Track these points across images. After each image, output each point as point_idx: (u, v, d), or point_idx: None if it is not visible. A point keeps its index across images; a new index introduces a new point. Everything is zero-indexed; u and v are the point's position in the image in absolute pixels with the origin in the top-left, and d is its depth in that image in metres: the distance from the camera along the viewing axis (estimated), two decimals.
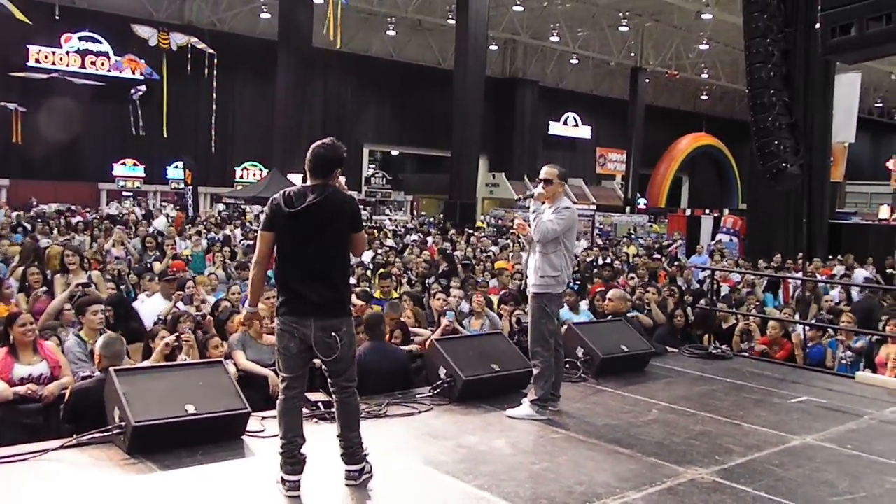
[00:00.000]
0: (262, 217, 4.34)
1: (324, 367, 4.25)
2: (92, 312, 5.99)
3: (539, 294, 5.64)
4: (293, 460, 4.12)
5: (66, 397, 4.98)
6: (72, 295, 6.90)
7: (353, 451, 4.24)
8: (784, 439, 5.32)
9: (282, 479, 4.11)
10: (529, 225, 5.74)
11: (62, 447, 4.47)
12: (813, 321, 9.58)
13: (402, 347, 7.17)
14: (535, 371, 5.66)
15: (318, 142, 4.27)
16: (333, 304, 4.15)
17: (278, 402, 4.23)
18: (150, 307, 7.92)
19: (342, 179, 4.35)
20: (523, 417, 5.55)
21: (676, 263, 15.85)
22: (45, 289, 7.60)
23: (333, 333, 4.11)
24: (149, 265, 11.05)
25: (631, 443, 5.10)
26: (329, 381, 4.29)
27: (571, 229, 5.74)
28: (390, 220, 32.23)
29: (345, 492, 4.18)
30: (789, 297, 12.99)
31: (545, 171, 5.77)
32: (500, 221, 30.21)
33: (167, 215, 22.43)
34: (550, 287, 5.60)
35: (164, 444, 4.50)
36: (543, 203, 5.72)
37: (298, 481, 4.10)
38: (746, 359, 8.35)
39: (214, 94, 32.32)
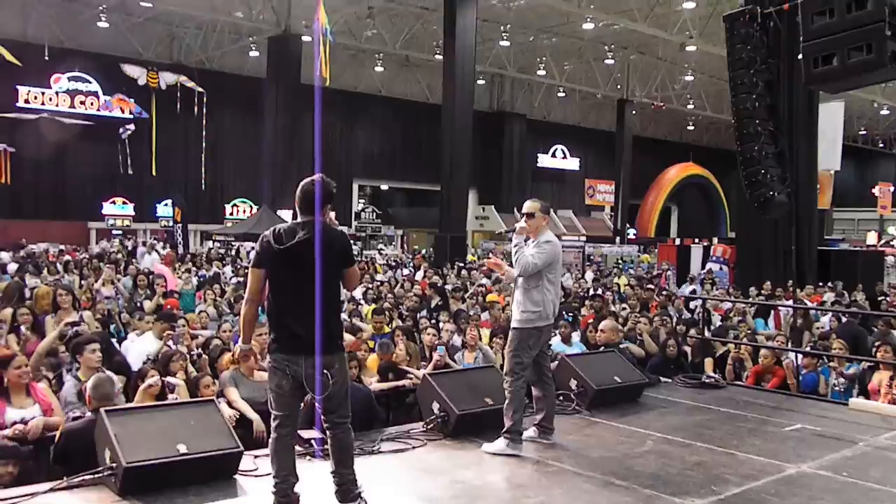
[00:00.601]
0: (253, 254, 4.34)
1: (317, 403, 4.23)
2: (90, 351, 5.95)
3: (518, 329, 5.58)
4: (286, 499, 4.13)
5: (56, 438, 4.92)
6: (62, 335, 6.85)
7: (346, 487, 4.21)
8: (780, 468, 5.30)
9: None
10: (512, 258, 5.66)
11: (52, 490, 4.41)
12: (807, 348, 9.60)
13: (395, 383, 7.15)
14: (505, 403, 5.55)
15: (308, 178, 4.29)
16: (325, 341, 4.11)
17: (271, 440, 4.22)
18: (141, 346, 7.85)
19: (332, 215, 4.37)
20: (496, 452, 5.45)
21: (664, 293, 15.88)
22: (23, 328, 7.50)
23: (325, 371, 4.09)
24: (139, 304, 10.99)
25: (626, 475, 5.07)
26: (322, 417, 4.26)
27: (554, 263, 5.65)
28: (380, 253, 32.24)
29: None
30: (781, 324, 13.02)
31: (527, 206, 5.72)
32: (490, 255, 30.23)
33: (159, 252, 22.37)
34: (531, 322, 5.53)
35: (155, 484, 4.44)
36: (528, 238, 5.66)
37: None
38: (740, 387, 8.34)
39: (204, 132, 32.47)
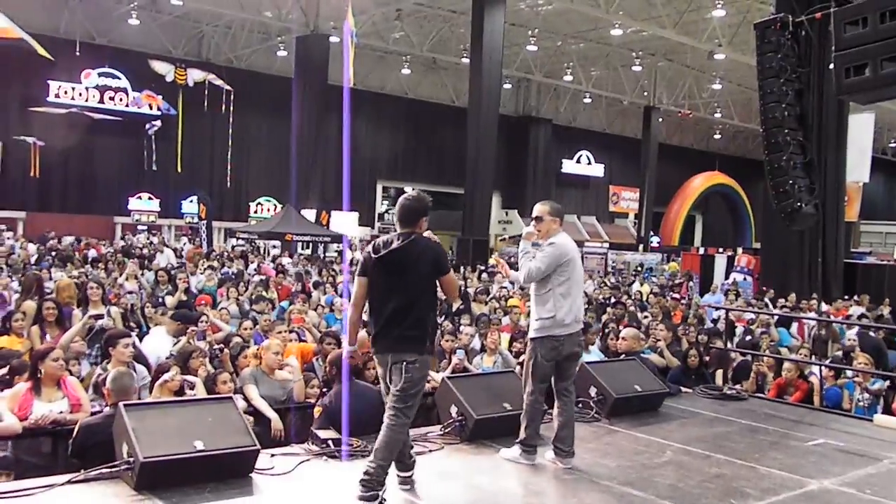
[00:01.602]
0: (359, 264, 4.75)
1: (390, 393, 4.57)
2: (123, 346, 5.99)
3: (533, 339, 5.39)
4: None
5: (74, 432, 4.95)
6: (90, 327, 6.91)
7: (370, 480, 4.36)
8: (801, 483, 5.22)
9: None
10: (519, 263, 5.47)
11: (69, 482, 4.42)
12: (828, 361, 9.46)
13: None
14: (522, 412, 5.43)
15: (405, 194, 4.76)
16: (411, 341, 4.51)
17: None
18: (153, 342, 7.88)
19: (429, 232, 4.69)
20: (510, 459, 5.39)
21: (683, 302, 15.77)
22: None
23: (405, 363, 4.47)
24: (161, 299, 11.07)
25: (644, 485, 5.01)
26: (387, 405, 4.60)
27: (564, 266, 5.31)
28: None
29: None
30: (805, 336, 12.86)
31: (536, 209, 5.50)
32: (511, 259, 30.15)
33: (175, 249, 22.49)
34: (546, 330, 5.29)
35: (171, 480, 4.44)
36: (540, 241, 5.45)
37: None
38: (762, 400, 8.24)
39: (230, 130, 32.68)
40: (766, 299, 15.93)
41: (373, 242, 4.70)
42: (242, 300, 11.57)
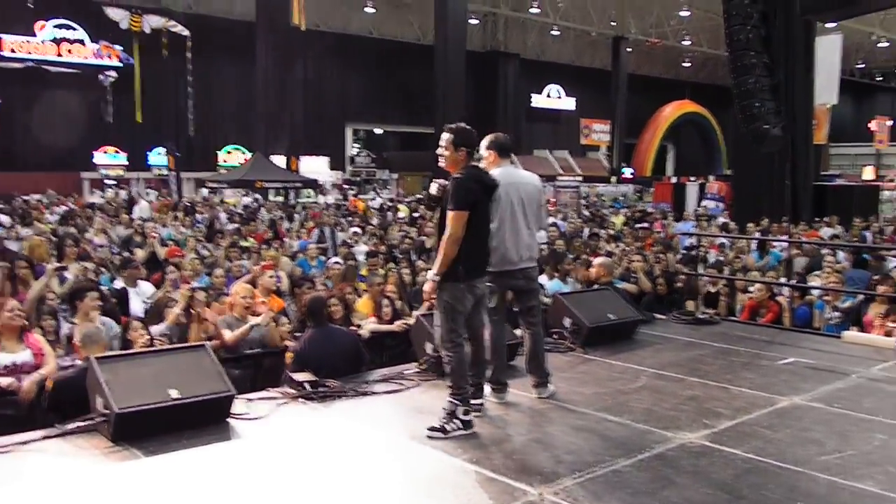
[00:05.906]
0: (458, 198, 4.62)
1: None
2: (91, 299, 5.98)
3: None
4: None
5: (49, 387, 4.92)
6: (74, 283, 6.89)
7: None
8: (772, 401, 5.32)
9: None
10: None
11: (45, 437, 4.41)
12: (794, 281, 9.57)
13: (388, 326, 7.14)
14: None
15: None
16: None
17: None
18: (142, 291, 7.94)
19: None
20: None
21: (659, 234, 15.88)
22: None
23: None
24: (131, 252, 10.96)
25: (620, 410, 5.08)
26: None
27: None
28: (380, 196, 32.10)
29: (332, 470, 4.15)
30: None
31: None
32: None
33: (150, 202, 22.26)
34: (494, 266, 5.08)
35: (148, 430, 4.44)
36: None
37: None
38: (734, 323, 8.35)
39: (190, 78, 31.99)
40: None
41: (470, 176, 4.76)
42: (209, 247, 11.50)
